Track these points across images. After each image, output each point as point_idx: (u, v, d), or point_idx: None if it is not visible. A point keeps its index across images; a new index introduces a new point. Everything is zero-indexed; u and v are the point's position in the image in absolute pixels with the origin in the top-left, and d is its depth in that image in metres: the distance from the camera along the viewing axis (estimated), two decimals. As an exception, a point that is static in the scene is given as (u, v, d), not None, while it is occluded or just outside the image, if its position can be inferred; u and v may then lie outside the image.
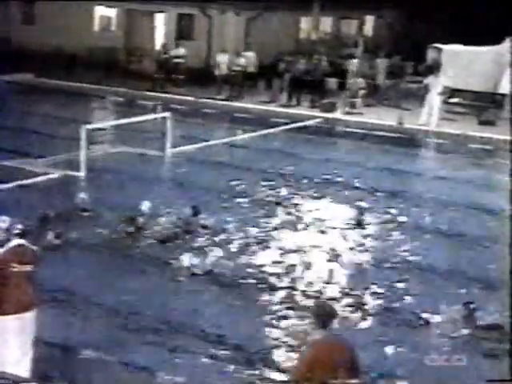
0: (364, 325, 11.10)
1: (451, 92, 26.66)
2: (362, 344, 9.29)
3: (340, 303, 11.55)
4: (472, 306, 11.19)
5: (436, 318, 11.13)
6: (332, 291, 12.05)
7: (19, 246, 8.57)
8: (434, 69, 27.09)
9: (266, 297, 11.77)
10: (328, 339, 6.91)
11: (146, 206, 14.62)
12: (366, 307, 11.57)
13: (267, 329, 10.77)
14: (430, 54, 30.16)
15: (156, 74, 31.20)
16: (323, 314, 6.95)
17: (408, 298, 11.91)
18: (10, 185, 16.71)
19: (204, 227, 14.31)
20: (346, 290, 12.12)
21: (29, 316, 8.62)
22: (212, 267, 12.62)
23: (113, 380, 9.32)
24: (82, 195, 15.45)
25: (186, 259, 12.76)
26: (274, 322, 10.99)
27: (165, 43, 32.55)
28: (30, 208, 14.43)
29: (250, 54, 29.94)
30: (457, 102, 27.60)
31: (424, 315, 11.23)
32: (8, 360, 8.54)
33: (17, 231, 8.59)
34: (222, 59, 29.80)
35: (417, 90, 27.73)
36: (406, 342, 10.57)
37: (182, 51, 31.25)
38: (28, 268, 8.58)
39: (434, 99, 25.48)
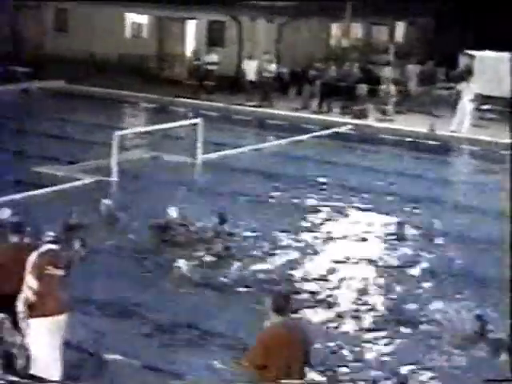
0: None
1: (483, 98, 26.47)
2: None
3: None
4: (484, 319, 10.91)
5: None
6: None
7: (51, 250, 8.62)
8: (466, 75, 26.93)
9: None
10: (284, 324, 7.32)
11: (173, 212, 14.44)
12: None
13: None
14: (462, 61, 30.01)
15: (187, 80, 31.27)
16: (281, 301, 7.35)
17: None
18: (42, 191, 16.81)
19: (231, 235, 14.16)
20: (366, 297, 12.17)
21: (61, 319, 8.66)
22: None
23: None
24: (106, 201, 15.39)
25: (183, 265, 12.74)
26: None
27: (196, 50, 32.67)
28: (60, 214, 14.36)
29: (269, 58, 29.86)
30: (489, 108, 27.43)
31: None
32: (40, 361, 8.58)
33: (48, 238, 8.65)
34: (251, 65, 29.83)
35: (448, 97, 27.56)
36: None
37: (214, 58, 31.30)
38: (61, 272, 8.62)
39: (466, 106, 25.32)
